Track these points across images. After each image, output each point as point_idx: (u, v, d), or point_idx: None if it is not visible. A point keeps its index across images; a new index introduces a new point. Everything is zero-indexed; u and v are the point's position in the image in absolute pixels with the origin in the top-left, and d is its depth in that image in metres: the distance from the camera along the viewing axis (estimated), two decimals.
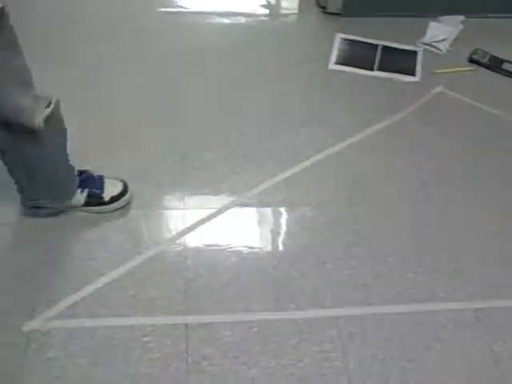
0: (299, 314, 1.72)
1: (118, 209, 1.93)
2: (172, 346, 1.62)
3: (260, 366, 1.59)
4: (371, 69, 2.64)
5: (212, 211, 1.98)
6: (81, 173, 1.91)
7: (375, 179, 2.13)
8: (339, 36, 2.80)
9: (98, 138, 2.18)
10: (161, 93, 2.41)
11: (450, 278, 1.83)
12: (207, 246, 1.88)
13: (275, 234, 1.93)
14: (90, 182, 1.91)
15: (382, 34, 2.81)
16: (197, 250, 1.86)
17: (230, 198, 2.02)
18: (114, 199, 1.92)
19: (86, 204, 1.90)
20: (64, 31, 2.72)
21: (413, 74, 2.61)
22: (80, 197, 1.89)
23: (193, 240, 1.89)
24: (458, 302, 1.77)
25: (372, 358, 1.63)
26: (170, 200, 2.01)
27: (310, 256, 1.87)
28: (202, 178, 2.08)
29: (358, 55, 2.71)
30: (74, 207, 1.90)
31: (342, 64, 2.65)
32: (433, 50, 2.75)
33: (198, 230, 1.92)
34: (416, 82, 2.58)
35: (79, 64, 2.52)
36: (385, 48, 2.76)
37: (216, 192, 2.04)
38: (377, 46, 2.77)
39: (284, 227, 1.96)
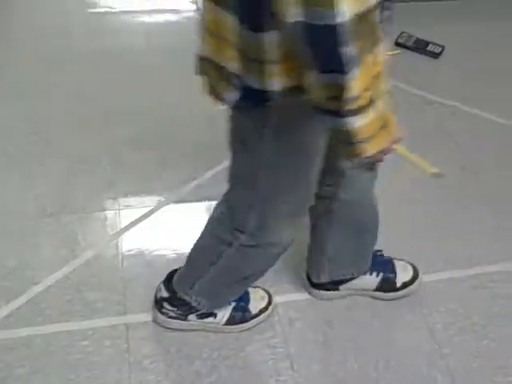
0: None
1: (404, 296, 1.75)
2: (112, 347, 1.61)
3: (202, 358, 1.60)
4: None
5: (147, 210, 1.97)
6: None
7: None
8: None
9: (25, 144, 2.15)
10: (87, 96, 2.38)
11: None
12: (144, 245, 1.87)
13: None
14: (384, 265, 1.74)
15: None
16: (133, 250, 1.85)
17: (165, 195, 2.02)
18: (405, 285, 1.74)
19: (378, 289, 1.74)
20: None
21: None
22: (373, 280, 1.73)
23: (129, 240, 1.88)
24: None
25: (313, 341, 1.65)
26: (103, 201, 2.00)
27: None
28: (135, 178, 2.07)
29: None
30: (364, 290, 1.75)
31: None
32: None
33: (133, 229, 1.91)
34: None
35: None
36: None
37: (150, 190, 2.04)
38: None
39: None
